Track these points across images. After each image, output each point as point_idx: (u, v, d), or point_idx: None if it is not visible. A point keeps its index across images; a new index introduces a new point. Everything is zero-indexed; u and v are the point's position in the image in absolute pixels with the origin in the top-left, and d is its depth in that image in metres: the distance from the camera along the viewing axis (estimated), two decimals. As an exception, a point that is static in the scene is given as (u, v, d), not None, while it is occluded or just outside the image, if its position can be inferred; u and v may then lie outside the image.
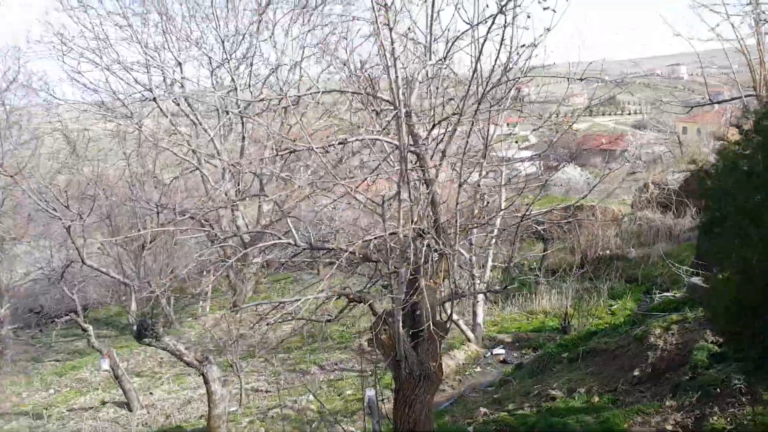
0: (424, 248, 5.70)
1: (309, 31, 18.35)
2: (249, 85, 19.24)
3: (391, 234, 5.51)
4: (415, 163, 6.90)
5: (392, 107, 7.01)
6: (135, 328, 9.19)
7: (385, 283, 7.32)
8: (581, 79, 8.20)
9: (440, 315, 6.40)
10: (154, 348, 10.96)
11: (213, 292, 20.34)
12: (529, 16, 6.09)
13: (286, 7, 18.18)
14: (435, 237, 5.93)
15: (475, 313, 13.53)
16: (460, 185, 6.52)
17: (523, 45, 6.81)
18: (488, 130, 11.17)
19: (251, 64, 18.98)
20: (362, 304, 6.65)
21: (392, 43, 5.96)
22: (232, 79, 18.77)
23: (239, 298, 17.95)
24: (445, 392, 11.09)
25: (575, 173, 38.87)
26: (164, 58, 18.10)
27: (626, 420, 5.96)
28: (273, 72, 19.63)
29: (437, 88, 7.22)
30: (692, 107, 11.51)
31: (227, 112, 18.09)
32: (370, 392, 6.53)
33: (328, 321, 6.80)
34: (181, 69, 19.47)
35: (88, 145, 18.85)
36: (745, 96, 10.51)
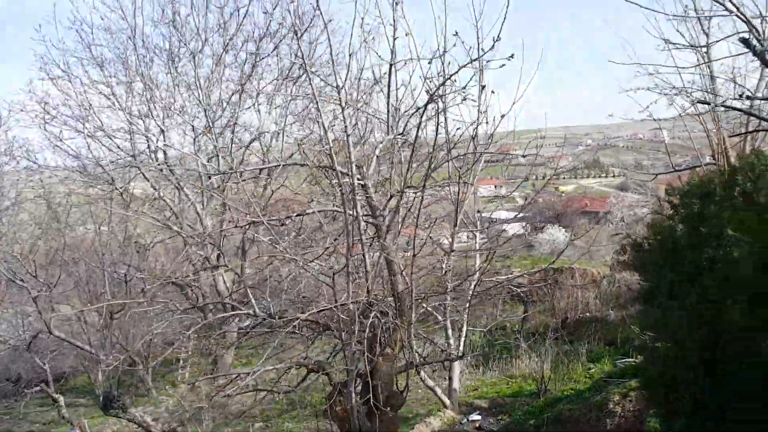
0: (372, 319, 5.81)
1: (291, 100, 19.03)
2: (230, 152, 19.70)
3: (341, 305, 5.66)
4: (374, 234, 7.15)
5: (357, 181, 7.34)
6: (101, 399, 9.10)
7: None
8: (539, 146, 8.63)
9: (396, 385, 6.45)
10: (129, 418, 10.85)
11: (194, 358, 20.11)
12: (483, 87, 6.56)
13: (270, 76, 18.90)
14: (385, 308, 6.08)
15: (450, 379, 13.40)
16: (414, 255, 6.72)
17: (472, 121, 7.26)
18: (458, 197, 11.48)
19: (233, 132, 19.49)
20: (321, 373, 6.72)
21: (344, 120, 6.34)
22: (214, 147, 19.22)
23: (220, 364, 17.77)
24: (419, 461, 10.93)
25: (559, 234, 39.37)
26: (148, 126, 18.60)
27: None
28: (255, 139, 20.14)
29: (398, 162, 7.58)
30: (656, 175, 11.99)
31: (209, 177, 18.41)
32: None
33: (287, 392, 6.83)
34: (164, 136, 19.95)
35: (70, 210, 19.05)
36: (705, 164, 10.97)
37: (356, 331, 5.54)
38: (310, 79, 6.86)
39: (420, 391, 14.76)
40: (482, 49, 5.74)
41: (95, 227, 15.46)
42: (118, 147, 18.60)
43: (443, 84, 5.50)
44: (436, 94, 5.53)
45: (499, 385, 15.27)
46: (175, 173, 19.11)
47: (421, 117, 6.47)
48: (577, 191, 73.09)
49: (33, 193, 20.68)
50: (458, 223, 13.11)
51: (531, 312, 19.50)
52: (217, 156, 18.99)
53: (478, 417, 12.38)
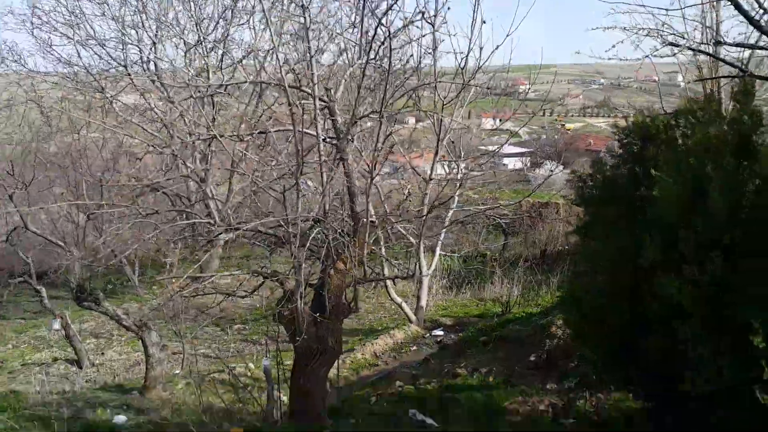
0: (316, 235, 5.97)
1: (286, 19, 18.37)
2: (221, 68, 19.31)
3: (291, 220, 5.79)
4: (337, 155, 7.20)
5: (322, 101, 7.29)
6: (74, 292, 9.47)
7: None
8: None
9: (345, 297, 6.72)
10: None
11: (182, 262, 20.69)
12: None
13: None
14: (336, 226, 6.25)
15: (418, 297, 13.96)
16: (371, 178, 6.80)
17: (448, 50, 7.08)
18: (439, 126, 11.43)
19: (224, 48, 18.98)
20: (274, 281, 6.98)
21: (308, 41, 6.23)
22: (204, 61, 18.78)
23: (205, 270, 18.31)
24: (378, 367, 11.57)
25: (556, 171, 39.36)
26: (141, 36, 18.09)
27: (508, 398, 6.37)
28: (246, 56, 19.66)
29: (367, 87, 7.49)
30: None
31: (199, 91, 18.06)
32: (266, 362, 6.90)
33: (243, 297, 7.13)
34: (155, 48, 19.45)
35: (61, 116, 18.94)
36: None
37: (303, 245, 5.70)
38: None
39: (393, 307, 15.36)
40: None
41: (82, 133, 15.35)
42: (110, 56, 18.19)
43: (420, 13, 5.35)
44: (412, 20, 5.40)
45: (469, 306, 15.88)
46: (166, 85, 18.79)
47: (390, 40, 6.33)
48: (584, 129, 72.10)
49: (26, 96, 20.42)
50: (440, 151, 13.09)
51: (511, 242, 19.88)
52: (207, 71, 18.61)
53: (441, 333, 12.99)
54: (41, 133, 20.89)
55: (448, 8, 6.50)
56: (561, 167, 41.49)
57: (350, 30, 8.18)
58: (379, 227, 7.93)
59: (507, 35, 6.81)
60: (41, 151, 17.07)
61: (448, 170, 13.14)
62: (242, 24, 18.25)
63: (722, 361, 3.25)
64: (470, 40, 6.70)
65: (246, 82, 6.69)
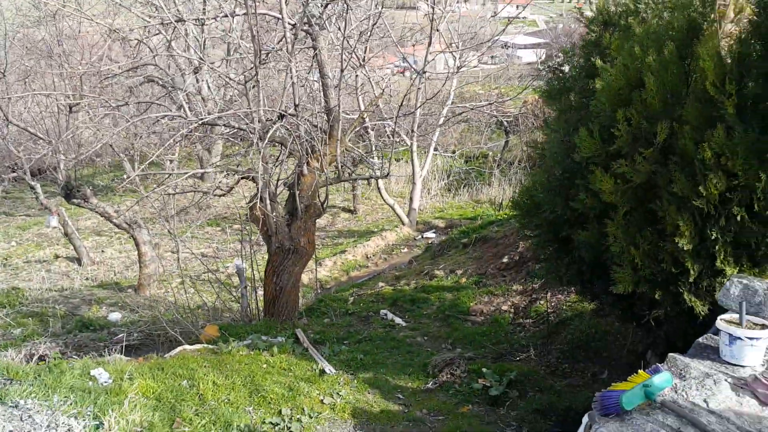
0: (276, 131, 5.86)
1: None
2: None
3: (252, 113, 5.67)
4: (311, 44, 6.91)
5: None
6: (61, 188, 9.58)
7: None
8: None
9: (318, 197, 6.71)
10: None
11: (186, 156, 20.74)
12: None
13: None
14: (303, 122, 6.11)
15: (411, 199, 13.96)
16: (341, 70, 6.57)
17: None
18: (432, 13, 10.87)
19: None
20: (249, 179, 6.97)
21: None
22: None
23: (206, 165, 18.39)
24: (368, 269, 11.83)
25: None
26: None
27: (475, 299, 6.53)
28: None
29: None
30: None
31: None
32: (237, 262, 7.03)
33: (220, 196, 7.16)
34: None
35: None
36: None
37: (265, 141, 5.62)
38: None
39: (387, 209, 15.49)
40: None
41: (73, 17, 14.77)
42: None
43: None
44: None
45: (465, 208, 15.92)
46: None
47: None
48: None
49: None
50: (432, 41, 12.54)
51: (513, 143, 19.56)
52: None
53: (433, 235, 13.13)
54: (29, 18, 20.27)
55: None
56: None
57: None
58: (356, 123, 7.79)
59: None
60: (28, 37, 16.61)
61: (454, 62, 12.52)
62: None
63: (641, 259, 3.23)
64: None
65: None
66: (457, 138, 21.94)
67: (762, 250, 3.11)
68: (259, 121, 5.71)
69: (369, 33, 6.97)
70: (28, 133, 9.70)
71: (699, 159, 2.95)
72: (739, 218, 2.94)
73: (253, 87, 5.71)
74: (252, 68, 6.31)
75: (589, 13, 4.48)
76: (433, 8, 10.24)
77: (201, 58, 6.71)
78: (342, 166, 7.23)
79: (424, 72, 11.37)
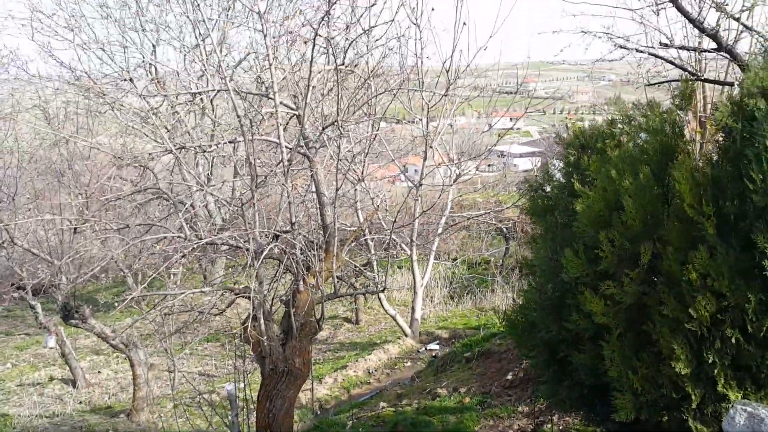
0: (272, 249, 5.91)
1: (285, 20, 18.52)
2: (219, 71, 19.37)
3: (248, 233, 5.75)
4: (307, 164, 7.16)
5: (287, 108, 7.28)
6: (60, 309, 9.53)
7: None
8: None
9: (314, 314, 6.62)
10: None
11: (190, 271, 20.79)
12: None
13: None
14: (299, 240, 6.17)
15: (413, 309, 13.76)
16: (336, 189, 6.74)
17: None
18: (426, 129, 11.30)
19: (220, 51, 19.15)
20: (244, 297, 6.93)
21: (267, 48, 6.21)
22: (203, 65, 18.90)
23: (209, 281, 18.43)
24: (370, 385, 11.42)
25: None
26: (142, 40, 18.35)
27: (479, 422, 6.22)
28: (243, 59, 19.73)
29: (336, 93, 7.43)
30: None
31: (200, 95, 18.32)
32: (228, 386, 6.81)
33: (216, 315, 7.10)
34: (155, 52, 19.72)
35: (65, 122, 19.21)
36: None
37: (259, 261, 5.65)
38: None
39: (390, 318, 15.26)
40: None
41: (94, 138, 15.47)
42: (111, 59, 18.49)
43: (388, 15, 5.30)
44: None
45: (469, 317, 15.66)
46: (167, 89, 19.06)
47: (350, 45, 6.34)
48: (596, 128, 71.36)
49: (31, 103, 20.80)
50: (428, 156, 12.94)
51: (513, 248, 19.63)
52: (205, 74, 18.77)
53: (437, 347, 12.78)
54: (46, 140, 21.25)
55: (432, 9, 6.50)
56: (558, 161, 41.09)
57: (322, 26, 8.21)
58: (352, 238, 7.87)
59: (490, 36, 6.69)
60: (42, 159, 17.30)
61: (450, 173, 12.84)
62: (238, 26, 18.45)
63: (640, 384, 3.12)
64: (454, 39, 6.68)
65: (208, 90, 6.71)
66: (458, 245, 22.10)
67: (764, 373, 3.00)
68: (254, 241, 5.77)
69: (365, 153, 7.23)
70: (32, 254, 9.84)
71: (685, 280, 2.93)
72: (734, 340, 2.87)
73: (249, 208, 5.85)
74: (249, 190, 6.49)
75: (565, 136, 4.66)
76: (427, 126, 10.69)
77: (200, 183, 6.92)
78: (339, 281, 7.21)
79: (421, 184, 11.69)
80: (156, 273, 6.09)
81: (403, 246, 13.16)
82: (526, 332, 4.29)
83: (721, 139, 3.17)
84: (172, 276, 18.61)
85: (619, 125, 4.04)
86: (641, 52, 5.03)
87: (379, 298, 13.31)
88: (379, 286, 7.49)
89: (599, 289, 3.36)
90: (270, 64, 6.24)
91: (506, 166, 44.72)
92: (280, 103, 6.46)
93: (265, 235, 6.22)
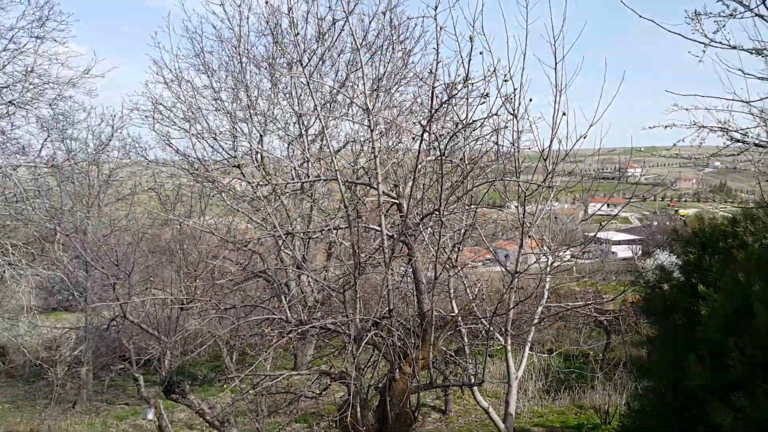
0: (373, 337, 5.95)
1: (385, 108, 19.53)
2: (319, 159, 20.49)
3: (350, 320, 5.85)
4: (405, 252, 7.30)
5: (389, 198, 7.56)
6: (163, 384, 9.95)
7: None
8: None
9: (409, 404, 6.51)
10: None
11: (282, 350, 21.24)
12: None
13: (363, 86, 19.57)
14: (397, 327, 6.20)
15: (507, 403, 13.06)
16: (435, 278, 6.77)
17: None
18: (522, 217, 11.34)
19: (322, 139, 20.42)
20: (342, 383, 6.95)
21: (373, 143, 6.56)
22: (304, 152, 20.21)
23: (300, 360, 18.69)
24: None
25: (668, 261, 36.82)
26: (250, 129, 19.96)
27: None
28: (342, 147, 20.85)
29: (435, 181, 7.65)
30: (756, 207, 10.89)
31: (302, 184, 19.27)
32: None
33: (311, 398, 7.14)
34: (262, 141, 21.27)
35: (175, 205, 20.83)
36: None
37: (359, 347, 5.71)
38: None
39: (481, 410, 14.57)
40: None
41: (202, 219, 16.64)
42: (222, 147, 20.16)
43: (480, 111, 5.54)
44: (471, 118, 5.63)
45: (567, 414, 14.71)
46: (270, 174, 20.33)
47: (450, 138, 6.58)
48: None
49: (147, 185, 22.88)
50: (523, 244, 12.79)
51: (614, 342, 18.49)
52: (307, 161, 19.90)
53: (532, 445, 12.03)
54: (158, 219, 23.03)
55: (530, 99, 6.67)
56: (673, 256, 38.84)
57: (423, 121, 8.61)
58: (449, 327, 7.80)
59: (590, 125, 6.70)
60: (154, 237, 18.69)
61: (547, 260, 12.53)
62: (340, 117, 19.59)
63: None
64: (552, 129, 6.74)
65: (316, 179, 7.09)
66: (554, 336, 21.16)
67: None
68: (354, 326, 5.87)
69: (461, 242, 7.28)
70: (141, 329, 10.48)
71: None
72: None
73: (350, 293, 6.00)
74: (349, 274, 6.68)
75: (681, 231, 4.49)
76: (524, 214, 10.64)
77: (301, 266, 7.20)
78: (434, 369, 7.11)
79: (518, 272, 11.44)
80: (263, 356, 6.29)
81: (497, 335, 12.77)
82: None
83: None
84: (266, 356, 19.11)
85: (743, 224, 3.86)
86: (761, 146, 4.84)
87: (472, 390, 12.82)
88: (475, 378, 7.27)
89: (728, 400, 3.11)
90: (375, 156, 6.57)
91: (604, 253, 43.03)
92: (383, 192, 6.72)
93: (365, 321, 6.31)
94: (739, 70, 4.39)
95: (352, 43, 19.04)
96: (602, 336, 20.76)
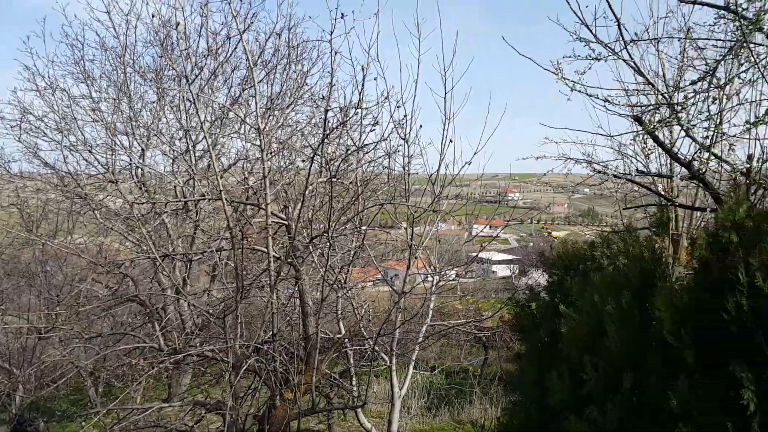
0: (254, 363, 5.80)
1: (278, 127, 19.17)
2: (206, 176, 19.77)
3: (229, 347, 5.66)
4: (293, 274, 7.20)
5: (279, 219, 7.42)
6: (11, 423, 9.00)
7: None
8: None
9: (289, 430, 6.37)
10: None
11: (154, 380, 19.84)
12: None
13: (257, 104, 19.13)
14: (279, 351, 6.09)
15: (390, 422, 13.25)
16: (322, 299, 6.75)
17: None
18: (411, 239, 11.54)
19: (211, 156, 19.54)
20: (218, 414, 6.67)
21: (263, 162, 6.46)
22: (190, 168, 19.33)
23: (174, 389, 17.63)
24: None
25: (541, 279, 39.43)
26: (131, 143, 18.75)
27: None
28: (233, 164, 20.20)
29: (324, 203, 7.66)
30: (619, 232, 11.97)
31: (185, 203, 18.46)
32: None
33: (186, 431, 6.77)
34: (144, 155, 20.07)
35: (40, 223, 19.10)
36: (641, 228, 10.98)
37: (238, 375, 5.53)
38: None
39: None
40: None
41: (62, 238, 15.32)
42: (97, 161, 18.72)
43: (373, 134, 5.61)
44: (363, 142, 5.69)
45: (447, 430, 15.12)
46: (150, 190, 19.21)
47: (341, 160, 6.64)
48: (570, 238, 73.65)
49: (9, 200, 20.74)
50: (412, 264, 13.08)
51: (492, 357, 19.40)
52: (192, 179, 19.06)
53: (414, 463, 12.21)
54: (18, 239, 20.87)
55: (420, 126, 6.88)
56: (546, 275, 41.80)
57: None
58: (334, 350, 7.76)
59: (474, 153, 7.05)
60: (12, 258, 16.92)
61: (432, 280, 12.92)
62: (231, 135, 18.97)
63: None
64: (440, 155, 7.01)
65: (201, 198, 6.84)
66: (437, 353, 21.76)
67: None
68: (233, 353, 5.67)
69: (350, 263, 7.33)
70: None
71: (666, 409, 2.97)
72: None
73: (231, 317, 5.80)
74: (231, 298, 6.46)
75: (547, 254, 4.83)
76: (412, 236, 10.92)
77: (180, 290, 6.87)
78: (317, 393, 7.04)
79: (405, 293, 11.70)
80: (132, 387, 5.86)
81: (383, 355, 12.91)
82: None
83: (697, 266, 3.33)
84: (136, 388, 17.91)
85: (600, 248, 4.22)
86: (619, 177, 5.38)
87: (356, 412, 12.82)
88: (358, 400, 7.28)
89: (583, 414, 3.36)
90: (264, 176, 6.47)
91: (485, 272, 45.12)
92: (271, 213, 6.61)
93: (245, 347, 6.13)
94: (603, 106, 4.84)
95: (246, 60, 18.62)
96: (481, 352, 21.69)
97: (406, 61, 5.95)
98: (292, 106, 18.26)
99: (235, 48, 17.29)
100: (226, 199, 7.02)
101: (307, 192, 7.49)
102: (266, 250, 6.57)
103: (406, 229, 12.42)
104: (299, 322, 7.21)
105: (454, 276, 17.82)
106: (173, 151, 19.51)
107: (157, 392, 19.53)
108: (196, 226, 19.02)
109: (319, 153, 5.76)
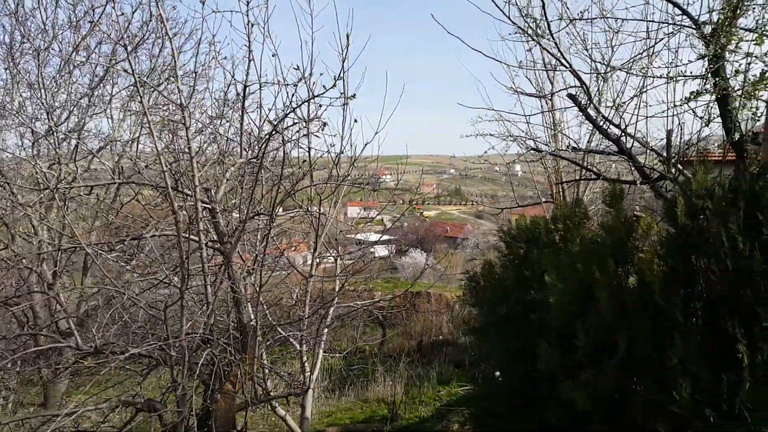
0: (206, 355, 5.47)
1: (149, 108, 17.81)
2: (74, 159, 18.01)
3: (174, 339, 5.25)
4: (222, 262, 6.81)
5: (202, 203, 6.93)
6: None
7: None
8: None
9: (234, 424, 6.10)
10: None
11: (25, 385, 17.89)
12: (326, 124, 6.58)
13: (125, 81, 17.58)
14: (225, 342, 5.79)
15: (303, 407, 13.13)
16: (260, 286, 6.47)
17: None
18: (318, 221, 11.35)
19: (79, 138, 17.83)
20: (151, 414, 6.19)
21: (188, 140, 5.99)
22: (56, 152, 17.45)
23: (51, 394, 16.01)
24: (265, 496, 10.53)
25: (421, 258, 40.92)
26: (-19, 125, 16.49)
27: None
28: (104, 147, 18.56)
29: (249, 187, 7.30)
30: (502, 210, 12.72)
31: (48, 187, 16.64)
32: None
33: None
34: (-2, 137, 17.70)
35: None
36: (544, 201, 11.71)
37: (187, 368, 5.16)
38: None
39: (273, 419, 14.32)
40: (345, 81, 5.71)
41: None
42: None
43: (285, 116, 5.38)
44: (280, 126, 5.41)
45: (354, 410, 15.25)
46: (8, 178, 17.13)
47: (266, 142, 6.34)
48: (440, 217, 76.90)
49: None
50: (319, 247, 12.95)
51: (389, 335, 19.87)
52: (59, 163, 17.24)
53: (330, 446, 12.23)
54: None
55: (321, 106, 6.70)
56: (424, 254, 43.44)
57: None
58: (266, 337, 7.52)
59: (375, 133, 7.02)
60: None
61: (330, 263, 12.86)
62: (99, 113, 17.31)
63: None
64: (342, 138, 6.92)
65: (117, 182, 6.20)
66: (332, 336, 21.86)
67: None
68: (178, 348, 5.27)
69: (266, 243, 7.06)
70: None
71: (666, 366, 3.24)
72: (712, 419, 3.18)
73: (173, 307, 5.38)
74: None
75: (506, 229, 5.02)
76: (318, 218, 10.80)
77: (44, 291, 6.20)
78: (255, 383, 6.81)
79: (312, 275, 11.56)
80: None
81: (293, 341, 12.70)
82: (492, 423, 4.35)
83: (673, 231, 3.62)
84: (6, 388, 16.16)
85: (555, 223, 4.45)
86: (555, 155, 5.69)
87: (258, 405, 12.54)
88: (302, 386, 7.13)
89: (577, 378, 3.56)
90: (192, 158, 6.02)
91: (365, 253, 45.74)
92: (198, 199, 6.20)
93: (191, 340, 5.72)
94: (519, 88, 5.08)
95: (114, 34, 17.10)
96: (375, 331, 22.12)
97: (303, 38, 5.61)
98: (167, 82, 17.11)
99: (98, 19, 15.81)
100: (149, 183, 6.49)
101: (228, 173, 7.14)
102: (197, 238, 6.16)
103: (308, 210, 12.27)
104: (232, 311, 6.86)
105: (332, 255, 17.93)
106: (33, 132, 17.49)
107: (33, 398, 17.62)
108: (63, 217, 17.23)
109: (278, 130, 5.46)
